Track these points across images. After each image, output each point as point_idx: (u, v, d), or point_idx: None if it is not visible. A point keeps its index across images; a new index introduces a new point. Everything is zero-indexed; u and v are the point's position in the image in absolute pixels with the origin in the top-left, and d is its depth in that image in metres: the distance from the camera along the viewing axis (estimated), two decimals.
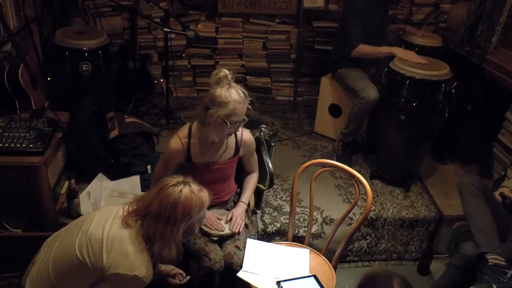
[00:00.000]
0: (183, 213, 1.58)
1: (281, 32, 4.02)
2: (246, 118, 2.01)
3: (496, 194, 2.35)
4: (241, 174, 2.38)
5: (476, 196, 2.30)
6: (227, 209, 2.29)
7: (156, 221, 1.58)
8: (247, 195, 2.30)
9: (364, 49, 3.04)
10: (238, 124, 1.99)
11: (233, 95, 1.93)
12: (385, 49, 3.03)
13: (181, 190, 1.60)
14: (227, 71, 1.98)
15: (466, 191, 2.33)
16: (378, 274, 1.45)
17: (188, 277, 1.97)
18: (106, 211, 1.69)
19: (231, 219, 2.19)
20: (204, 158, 2.14)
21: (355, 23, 3.04)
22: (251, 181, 2.33)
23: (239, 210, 2.22)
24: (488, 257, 2.08)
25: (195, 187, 1.64)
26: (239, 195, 2.34)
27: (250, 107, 2.02)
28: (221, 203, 2.29)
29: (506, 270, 2.02)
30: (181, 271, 1.97)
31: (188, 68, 4.12)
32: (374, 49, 3.04)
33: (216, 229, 2.13)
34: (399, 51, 2.96)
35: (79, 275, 1.61)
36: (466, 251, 2.23)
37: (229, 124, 1.95)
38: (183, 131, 2.14)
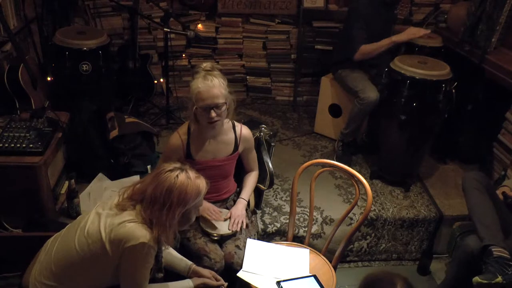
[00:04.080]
0: (178, 198, 1.58)
1: (281, 32, 4.02)
2: (223, 102, 1.99)
3: (498, 193, 2.35)
4: (241, 173, 2.38)
5: (480, 191, 2.30)
6: (227, 208, 2.29)
7: (152, 206, 1.58)
8: (247, 192, 2.30)
9: (365, 49, 3.04)
10: (210, 108, 1.98)
11: (199, 81, 1.98)
12: (385, 41, 3.01)
13: (177, 176, 1.60)
14: (205, 63, 2.04)
15: (471, 186, 2.33)
16: (381, 276, 1.42)
17: (226, 284, 1.94)
18: (99, 207, 1.70)
19: (230, 218, 2.19)
20: (204, 154, 2.15)
21: (358, 26, 3.04)
22: (251, 179, 2.34)
23: (239, 208, 2.23)
24: (492, 249, 2.07)
25: (192, 173, 1.64)
26: (239, 194, 2.34)
27: (223, 91, 2.00)
28: (220, 201, 2.30)
29: (511, 263, 2.02)
30: (221, 281, 1.93)
31: (188, 68, 4.12)
32: (375, 45, 3.03)
33: (214, 218, 2.14)
34: (399, 37, 2.98)
35: (81, 272, 1.63)
36: (468, 245, 2.22)
37: (199, 108, 1.98)
38: (183, 128, 2.16)
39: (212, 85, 1.97)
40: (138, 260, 1.59)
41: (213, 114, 1.99)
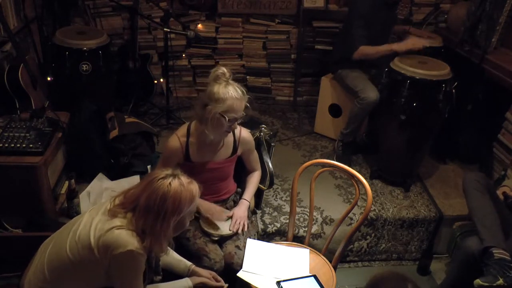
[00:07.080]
0: (173, 206, 1.55)
1: (281, 32, 4.02)
2: (244, 114, 2.02)
3: (499, 193, 2.35)
4: (242, 173, 2.38)
5: (481, 192, 2.30)
6: (227, 208, 2.29)
7: (145, 216, 1.56)
8: (250, 193, 2.30)
9: (365, 50, 3.04)
10: (236, 120, 2.00)
11: (231, 91, 1.95)
12: (384, 47, 3.02)
13: (170, 183, 1.56)
14: (225, 69, 2.00)
15: (471, 187, 2.33)
16: (390, 277, 1.41)
17: (227, 285, 1.94)
18: (94, 210, 1.69)
19: (231, 218, 2.19)
20: (203, 157, 2.15)
21: (358, 25, 3.04)
22: (253, 179, 2.34)
23: (241, 209, 2.22)
24: (493, 251, 2.07)
25: (184, 179, 1.61)
26: (240, 194, 2.35)
27: (248, 105, 2.02)
28: (220, 202, 2.30)
29: None
30: (221, 282, 1.92)
31: (188, 68, 4.12)
32: (375, 49, 3.04)
33: (217, 218, 2.14)
34: (399, 46, 2.96)
35: (72, 275, 1.62)
36: (469, 246, 2.22)
37: (226, 119, 1.96)
38: (182, 130, 2.15)
39: (241, 97, 1.98)
40: (128, 267, 1.57)
41: (235, 126, 2.02)
